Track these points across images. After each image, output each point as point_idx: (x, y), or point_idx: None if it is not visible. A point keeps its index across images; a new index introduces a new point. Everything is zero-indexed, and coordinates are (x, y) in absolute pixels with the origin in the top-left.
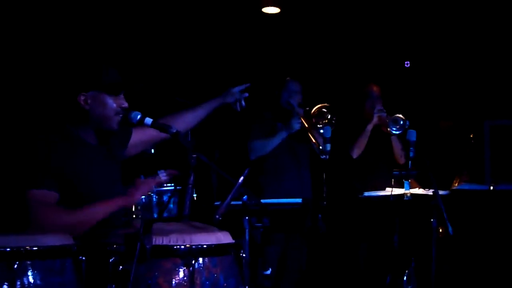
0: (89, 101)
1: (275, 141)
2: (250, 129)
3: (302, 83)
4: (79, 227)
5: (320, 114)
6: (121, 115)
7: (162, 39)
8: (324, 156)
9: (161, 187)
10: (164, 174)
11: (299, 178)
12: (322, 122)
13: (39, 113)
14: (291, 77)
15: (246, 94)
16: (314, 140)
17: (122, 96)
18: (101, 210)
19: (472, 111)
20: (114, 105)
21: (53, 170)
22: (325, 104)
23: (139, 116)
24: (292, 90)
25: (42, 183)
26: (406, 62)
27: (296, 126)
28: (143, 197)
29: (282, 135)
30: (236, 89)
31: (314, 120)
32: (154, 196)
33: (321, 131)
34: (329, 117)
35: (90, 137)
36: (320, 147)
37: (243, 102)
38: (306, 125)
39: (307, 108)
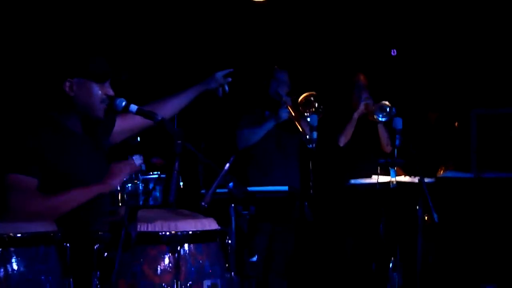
0: (74, 88)
1: (262, 130)
2: (240, 119)
3: (290, 72)
4: (54, 213)
5: (307, 102)
6: (106, 104)
7: (149, 27)
8: (310, 145)
9: (146, 175)
10: (139, 159)
11: (286, 168)
12: (310, 110)
13: (24, 99)
14: (279, 67)
15: (229, 79)
16: (301, 130)
17: (108, 84)
18: (77, 196)
19: (459, 99)
20: (100, 92)
21: (35, 156)
22: (312, 93)
23: (124, 103)
24: (281, 80)
25: (21, 167)
26: (392, 50)
27: (284, 116)
28: (129, 185)
29: (270, 124)
30: (219, 74)
31: (301, 109)
32: (140, 184)
33: (308, 119)
34: (316, 105)
35: (75, 125)
36: (307, 137)
37: (226, 88)
38: (293, 115)
39: (295, 97)
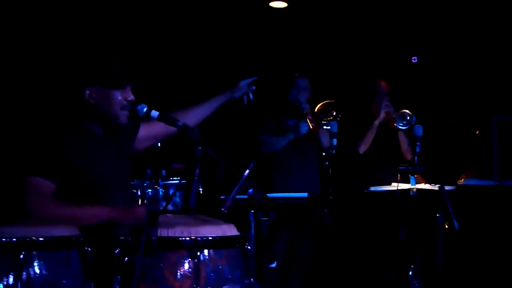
0: (94, 95)
1: (283, 142)
2: (263, 121)
3: (310, 78)
4: (74, 223)
5: (325, 110)
6: (128, 110)
7: (171, 34)
8: (326, 163)
9: (166, 181)
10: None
11: (306, 173)
12: (327, 119)
13: (47, 103)
14: (299, 74)
15: (254, 87)
16: (321, 143)
17: (128, 89)
18: (89, 214)
19: (480, 106)
20: (120, 98)
21: (56, 159)
22: (330, 101)
23: (145, 109)
24: (301, 87)
25: (41, 170)
26: (413, 58)
27: (303, 131)
28: (149, 190)
29: (290, 137)
30: (244, 83)
31: (320, 117)
32: (161, 189)
33: (327, 127)
34: (334, 113)
35: (98, 129)
36: (323, 153)
37: (251, 96)
38: (312, 128)
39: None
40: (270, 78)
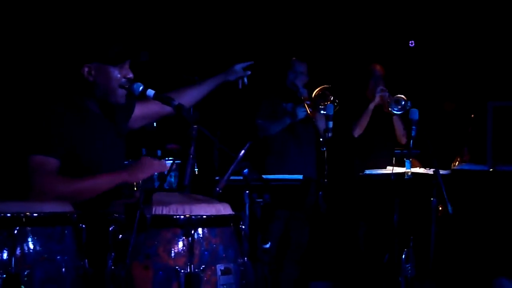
0: (93, 73)
1: (279, 126)
2: (260, 105)
3: (307, 62)
4: (78, 197)
5: (322, 95)
6: (126, 88)
7: (168, 14)
8: (323, 148)
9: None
10: (168, 164)
11: (301, 156)
12: (324, 103)
13: (45, 82)
14: (297, 58)
15: (249, 72)
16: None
17: (127, 66)
18: (102, 182)
19: (476, 92)
20: (119, 75)
21: (56, 136)
22: (327, 86)
23: (141, 88)
24: (298, 71)
25: (43, 148)
26: (410, 42)
27: (300, 115)
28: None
29: (286, 121)
30: (239, 67)
31: (317, 101)
32: None
33: (324, 111)
34: (331, 98)
35: (96, 108)
36: (321, 139)
37: (245, 80)
38: (310, 113)
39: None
40: (267, 61)
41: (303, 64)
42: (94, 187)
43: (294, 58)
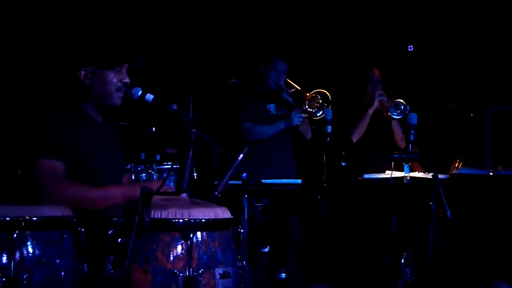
0: (89, 76)
1: (272, 131)
2: (240, 106)
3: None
4: (89, 205)
5: (312, 99)
6: (122, 91)
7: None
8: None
9: (160, 165)
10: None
11: (285, 161)
12: (313, 106)
13: (44, 87)
14: (279, 56)
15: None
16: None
17: (124, 71)
18: (115, 195)
19: (474, 96)
20: (115, 79)
21: (59, 141)
22: (322, 91)
23: (140, 92)
24: (281, 70)
25: (50, 153)
26: (409, 46)
27: (296, 122)
28: (143, 174)
29: (280, 126)
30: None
31: (306, 104)
32: (155, 174)
33: (319, 114)
34: (320, 101)
35: (94, 113)
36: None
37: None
38: (307, 121)
39: (294, 90)
40: (250, 61)
41: (285, 62)
42: (107, 198)
43: (275, 55)
